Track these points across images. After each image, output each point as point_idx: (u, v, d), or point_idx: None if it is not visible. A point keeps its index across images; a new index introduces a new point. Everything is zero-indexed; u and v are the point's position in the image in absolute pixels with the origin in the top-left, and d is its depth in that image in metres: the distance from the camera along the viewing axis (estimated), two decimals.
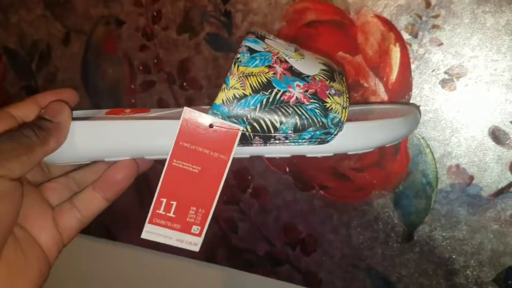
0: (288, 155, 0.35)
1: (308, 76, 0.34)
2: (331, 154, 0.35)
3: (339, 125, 0.34)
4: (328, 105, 0.34)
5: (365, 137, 0.35)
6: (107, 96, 0.59)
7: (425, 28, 0.43)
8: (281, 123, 0.33)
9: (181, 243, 0.35)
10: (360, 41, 0.45)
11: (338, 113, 0.34)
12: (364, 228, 0.47)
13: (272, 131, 0.33)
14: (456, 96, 0.43)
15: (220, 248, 0.55)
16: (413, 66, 0.44)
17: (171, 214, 0.35)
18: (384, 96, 0.45)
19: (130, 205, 0.61)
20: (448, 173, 0.44)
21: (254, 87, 0.33)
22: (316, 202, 0.49)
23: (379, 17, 0.44)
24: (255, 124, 0.33)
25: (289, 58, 0.35)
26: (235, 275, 0.56)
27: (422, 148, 0.44)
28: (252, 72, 0.33)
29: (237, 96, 0.33)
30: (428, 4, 0.43)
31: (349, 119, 0.35)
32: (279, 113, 0.33)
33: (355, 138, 0.34)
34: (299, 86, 0.34)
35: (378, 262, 0.47)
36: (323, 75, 0.35)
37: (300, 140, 0.34)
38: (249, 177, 0.52)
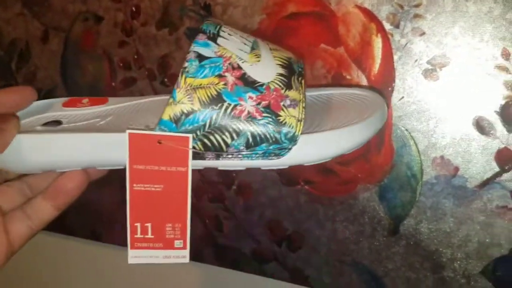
0: (242, 168, 0.34)
1: (262, 85, 0.32)
2: (286, 167, 0.34)
3: (293, 140, 0.32)
4: (281, 119, 0.32)
5: (321, 148, 0.33)
6: (87, 93, 0.58)
7: (407, 18, 0.42)
8: (232, 139, 0.32)
9: (169, 259, 0.35)
10: (341, 33, 0.44)
11: (293, 127, 0.32)
12: (350, 222, 0.47)
13: (224, 148, 0.32)
14: (439, 86, 0.42)
15: (207, 247, 0.54)
16: (395, 57, 0.43)
17: (149, 236, 0.34)
18: None
19: (114, 204, 0.60)
20: (433, 165, 0.43)
21: (203, 101, 0.31)
22: (301, 198, 0.49)
23: (360, 7, 0.43)
24: (205, 140, 0.32)
25: (243, 62, 0.32)
26: (222, 273, 0.55)
27: (406, 140, 0.43)
28: (201, 84, 0.31)
29: (185, 111, 0.31)
30: None
31: (307, 121, 0.34)
32: (230, 129, 0.31)
33: (311, 150, 0.33)
34: (251, 98, 0.31)
35: (364, 256, 0.47)
36: (278, 82, 0.32)
37: (254, 155, 0.33)
38: (234, 174, 0.52)
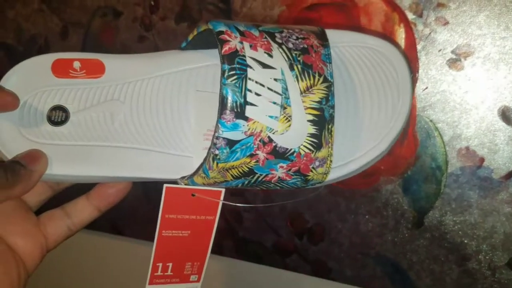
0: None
1: (293, 153, 0.31)
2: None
3: (320, 183, 0.34)
4: (309, 177, 0.33)
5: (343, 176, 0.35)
6: None
7: (430, 7, 0.41)
8: (261, 189, 0.34)
9: None
10: (363, 23, 0.44)
11: (319, 180, 0.33)
12: (372, 215, 0.46)
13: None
14: (464, 76, 0.41)
15: (227, 240, 0.54)
16: (419, 47, 0.42)
17: (169, 273, 0.37)
18: None
19: (136, 200, 0.60)
20: (458, 156, 0.42)
21: (236, 176, 0.32)
22: (322, 190, 0.48)
23: None
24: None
25: (273, 133, 0.31)
26: (243, 266, 0.55)
27: (431, 131, 0.43)
28: (233, 166, 0.31)
29: (218, 181, 0.33)
30: None
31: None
32: (260, 187, 0.34)
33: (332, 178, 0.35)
34: (282, 167, 0.32)
35: (388, 249, 0.46)
36: (309, 145, 0.32)
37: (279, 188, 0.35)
38: None
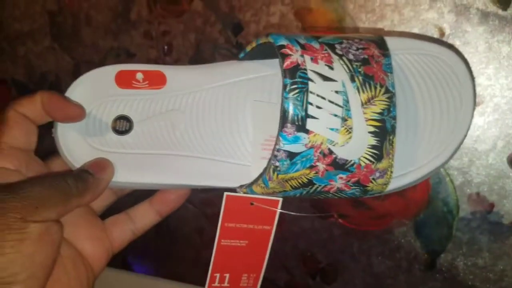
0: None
1: (352, 165, 0.31)
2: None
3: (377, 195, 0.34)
4: (369, 188, 0.33)
5: (403, 186, 0.35)
6: None
7: None
8: (319, 198, 0.34)
9: None
10: None
11: (379, 191, 0.33)
12: (385, 256, 0.48)
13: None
14: (474, 125, 0.43)
15: None
16: None
17: (225, 284, 0.36)
18: None
19: (147, 234, 0.60)
20: (469, 201, 0.44)
21: (295, 186, 0.32)
22: (335, 231, 0.50)
23: None
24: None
25: (334, 145, 0.31)
26: None
27: (442, 177, 0.44)
28: (293, 177, 0.31)
29: (276, 191, 0.33)
30: (442, 34, 0.43)
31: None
32: (318, 197, 0.34)
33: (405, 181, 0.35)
34: (341, 178, 0.32)
35: None
36: (369, 157, 0.32)
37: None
38: None
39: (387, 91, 0.32)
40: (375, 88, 0.32)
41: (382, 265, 0.48)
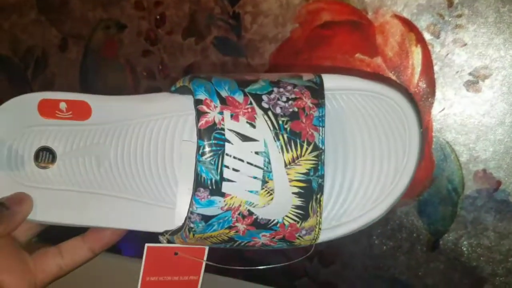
0: None
1: (276, 224, 0.30)
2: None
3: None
4: (296, 243, 0.31)
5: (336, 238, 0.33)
6: None
7: (448, 28, 0.41)
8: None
9: None
10: (379, 42, 0.43)
11: (308, 244, 0.32)
12: (387, 237, 0.46)
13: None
14: (481, 99, 0.41)
15: (234, 260, 0.53)
16: (436, 68, 0.42)
17: None
18: None
19: None
20: (475, 179, 0.42)
21: (215, 242, 0.31)
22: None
23: (398, 17, 0.42)
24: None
25: (254, 207, 0.29)
26: None
27: (447, 153, 0.42)
28: (211, 235, 0.30)
29: (196, 247, 0.33)
30: (450, 3, 0.41)
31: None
32: (244, 249, 0.33)
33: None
34: (265, 236, 0.30)
35: (402, 272, 0.46)
36: (294, 217, 0.30)
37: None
38: None
39: (315, 148, 0.29)
40: (301, 146, 0.29)
41: (383, 246, 0.46)
